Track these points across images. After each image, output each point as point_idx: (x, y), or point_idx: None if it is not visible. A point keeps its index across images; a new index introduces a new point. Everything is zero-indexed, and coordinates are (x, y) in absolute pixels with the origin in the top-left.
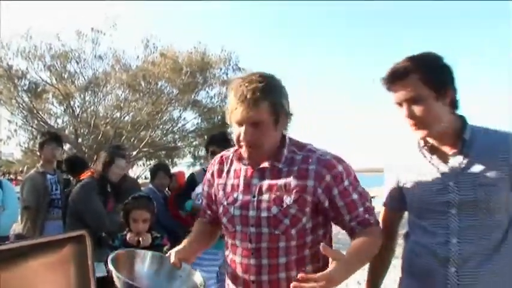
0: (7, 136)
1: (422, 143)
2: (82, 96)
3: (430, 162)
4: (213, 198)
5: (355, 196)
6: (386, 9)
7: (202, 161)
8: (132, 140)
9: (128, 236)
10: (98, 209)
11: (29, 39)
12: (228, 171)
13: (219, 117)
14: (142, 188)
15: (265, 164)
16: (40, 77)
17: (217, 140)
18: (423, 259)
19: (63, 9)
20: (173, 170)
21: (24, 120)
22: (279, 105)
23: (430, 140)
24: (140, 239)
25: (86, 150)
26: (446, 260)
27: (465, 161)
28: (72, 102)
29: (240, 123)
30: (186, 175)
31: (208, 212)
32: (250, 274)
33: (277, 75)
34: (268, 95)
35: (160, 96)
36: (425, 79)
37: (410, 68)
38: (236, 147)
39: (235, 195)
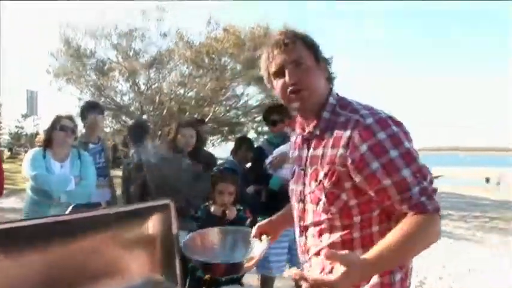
0: (77, 113)
1: None
2: (147, 73)
3: None
4: None
5: (406, 172)
6: None
7: (265, 136)
8: (195, 116)
9: (213, 208)
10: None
11: (96, 20)
12: (295, 143)
13: None
14: (221, 161)
15: (307, 132)
16: (107, 56)
17: (276, 108)
18: None
19: None
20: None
21: (92, 97)
22: (315, 45)
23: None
24: (227, 211)
25: (151, 126)
26: None
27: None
28: (137, 80)
29: (281, 68)
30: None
31: None
32: (303, 253)
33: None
34: (301, 36)
35: (223, 72)
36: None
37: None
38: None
39: (293, 168)
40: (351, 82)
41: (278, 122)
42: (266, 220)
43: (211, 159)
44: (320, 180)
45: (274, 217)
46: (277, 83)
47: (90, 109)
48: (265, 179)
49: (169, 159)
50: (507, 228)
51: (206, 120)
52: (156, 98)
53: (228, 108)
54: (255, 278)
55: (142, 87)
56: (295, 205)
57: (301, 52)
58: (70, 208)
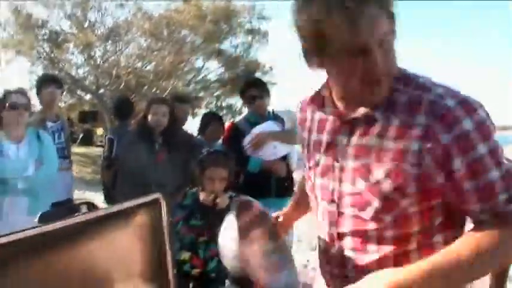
0: (29, 87)
1: None
2: (103, 45)
3: None
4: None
5: (494, 174)
6: None
7: (225, 111)
8: (154, 90)
9: (202, 196)
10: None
11: None
12: (312, 121)
13: (243, 67)
14: None
15: (358, 113)
16: (60, 26)
17: (254, 82)
18: None
19: None
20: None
21: (45, 70)
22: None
23: None
24: (217, 200)
25: (108, 100)
26: None
27: None
28: (93, 52)
29: (363, 47)
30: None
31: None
32: (333, 266)
33: None
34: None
35: (183, 45)
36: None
37: None
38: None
39: (317, 157)
40: None
41: (257, 98)
42: (283, 214)
43: (190, 141)
44: (377, 181)
45: (288, 210)
46: (350, 63)
47: (46, 83)
48: (243, 161)
49: (141, 149)
50: None
51: (165, 94)
52: (112, 71)
53: (187, 82)
54: None
55: (99, 60)
56: (322, 205)
57: (383, 24)
58: (38, 216)
